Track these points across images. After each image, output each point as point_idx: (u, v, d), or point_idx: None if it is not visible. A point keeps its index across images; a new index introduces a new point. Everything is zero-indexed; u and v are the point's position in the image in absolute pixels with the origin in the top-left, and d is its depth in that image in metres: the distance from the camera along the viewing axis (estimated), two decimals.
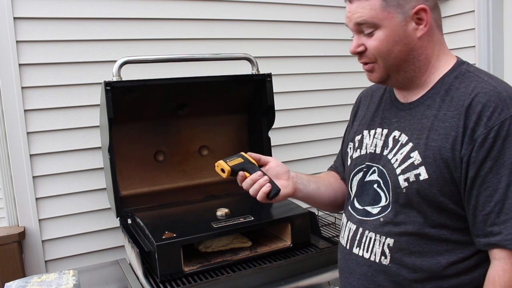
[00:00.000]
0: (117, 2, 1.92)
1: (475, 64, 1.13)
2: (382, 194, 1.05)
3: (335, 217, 2.06)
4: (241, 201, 1.77)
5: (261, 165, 1.19)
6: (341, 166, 1.30)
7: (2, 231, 1.76)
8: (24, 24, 1.76)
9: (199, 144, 1.91)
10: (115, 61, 1.60)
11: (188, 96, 1.79)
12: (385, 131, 1.10)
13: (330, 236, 1.80)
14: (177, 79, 1.72)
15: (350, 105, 1.33)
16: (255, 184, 1.12)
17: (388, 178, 1.04)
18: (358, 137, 1.18)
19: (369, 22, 0.99)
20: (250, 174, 1.14)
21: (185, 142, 1.88)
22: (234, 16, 2.19)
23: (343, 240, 1.15)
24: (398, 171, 1.01)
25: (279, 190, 1.13)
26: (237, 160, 1.18)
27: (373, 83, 1.15)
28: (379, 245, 1.04)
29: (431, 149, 0.97)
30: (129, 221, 1.71)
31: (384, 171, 1.05)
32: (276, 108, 1.84)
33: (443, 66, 1.04)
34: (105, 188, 1.88)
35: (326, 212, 2.10)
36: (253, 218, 1.53)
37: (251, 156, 1.19)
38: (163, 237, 1.40)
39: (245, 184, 1.15)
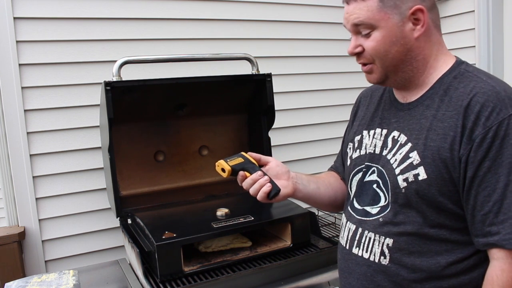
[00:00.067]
0: (117, 2, 1.92)
1: (475, 64, 1.13)
2: (381, 194, 1.06)
3: (335, 217, 2.06)
4: (241, 201, 1.77)
5: (261, 165, 1.19)
6: (341, 166, 1.30)
7: (2, 231, 1.76)
8: (24, 24, 1.76)
9: (199, 144, 1.91)
10: (115, 61, 1.60)
11: (188, 96, 1.79)
12: (385, 131, 1.10)
13: (330, 236, 1.80)
14: (177, 79, 1.72)
15: (350, 105, 1.33)
16: (256, 184, 1.12)
17: (387, 178, 1.04)
18: (357, 137, 1.18)
19: (366, 23, 0.99)
20: (251, 174, 1.15)
21: (185, 142, 1.88)
22: (234, 16, 2.19)
23: (343, 240, 1.15)
24: (397, 171, 1.02)
25: (279, 190, 1.13)
26: (238, 160, 1.18)
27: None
28: (378, 245, 1.04)
29: (430, 149, 0.97)
30: (129, 221, 1.71)
31: (383, 171, 1.05)
32: (276, 108, 1.84)
33: (442, 66, 1.04)
34: (105, 188, 1.88)
35: (326, 212, 2.10)
36: (253, 218, 1.53)
37: (251, 156, 1.20)
38: (163, 237, 1.40)
39: (245, 184, 1.15)
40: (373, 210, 1.07)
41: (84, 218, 1.90)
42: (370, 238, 1.06)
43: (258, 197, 1.12)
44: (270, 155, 1.84)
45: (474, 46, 2.37)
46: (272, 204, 1.67)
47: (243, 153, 1.21)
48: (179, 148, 1.87)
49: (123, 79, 1.58)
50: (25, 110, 1.78)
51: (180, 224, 1.57)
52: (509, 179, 0.90)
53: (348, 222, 1.14)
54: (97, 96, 1.71)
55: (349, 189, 1.18)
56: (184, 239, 1.41)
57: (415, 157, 0.99)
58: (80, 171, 1.89)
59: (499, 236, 0.91)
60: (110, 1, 1.91)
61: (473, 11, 2.36)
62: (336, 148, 1.39)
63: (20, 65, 1.76)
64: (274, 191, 1.12)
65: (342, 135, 1.34)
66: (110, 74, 1.58)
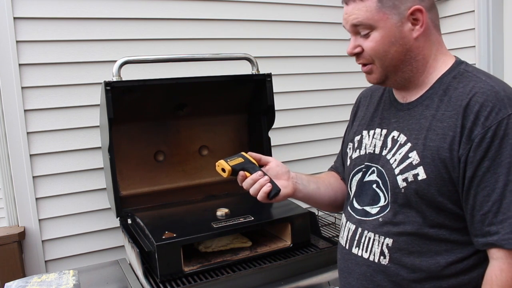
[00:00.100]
0: (117, 2, 1.92)
1: (475, 64, 1.13)
2: (381, 194, 1.06)
3: (335, 217, 2.06)
4: (241, 201, 1.77)
5: (261, 165, 1.19)
6: (341, 166, 1.30)
7: (2, 231, 1.76)
8: (24, 24, 1.76)
9: (199, 144, 1.91)
10: (115, 61, 1.60)
11: (188, 96, 1.79)
12: (384, 131, 1.10)
13: (330, 236, 1.80)
14: (177, 79, 1.72)
15: (350, 105, 1.33)
16: (256, 184, 1.12)
17: (387, 178, 1.04)
18: (357, 138, 1.19)
19: (365, 24, 0.99)
20: (251, 174, 1.15)
21: (185, 142, 1.88)
22: (234, 16, 2.19)
23: (343, 240, 1.15)
24: (396, 171, 1.02)
25: (280, 190, 1.13)
26: (238, 160, 1.18)
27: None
28: (378, 245, 1.04)
29: (429, 149, 0.97)
30: (129, 221, 1.71)
31: (383, 171, 1.05)
32: (276, 108, 1.84)
33: (441, 66, 1.04)
34: (105, 188, 1.88)
35: (326, 212, 2.10)
36: (253, 218, 1.53)
37: (251, 156, 1.20)
38: (163, 237, 1.40)
39: (245, 184, 1.15)
40: (373, 210, 1.07)
41: (84, 218, 1.90)
42: (369, 238, 1.06)
43: (258, 197, 1.13)
44: (270, 155, 1.84)
45: (474, 46, 2.37)
46: (272, 204, 1.67)
47: (243, 153, 1.21)
48: (179, 148, 1.87)
49: (123, 79, 1.58)
50: (25, 110, 1.78)
51: (180, 224, 1.57)
52: (508, 179, 0.90)
53: (348, 222, 1.14)
54: (97, 96, 1.71)
55: (349, 189, 1.18)
56: (184, 239, 1.41)
57: (414, 157, 0.99)
58: (80, 171, 1.89)
59: (498, 236, 0.91)
60: (110, 1, 1.91)
61: (473, 11, 2.36)
62: (336, 148, 1.39)
63: (20, 65, 1.76)
64: (274, 191, 1.12)
65: (342, 135, 1.34)
66: (110, 74, 1.58)
